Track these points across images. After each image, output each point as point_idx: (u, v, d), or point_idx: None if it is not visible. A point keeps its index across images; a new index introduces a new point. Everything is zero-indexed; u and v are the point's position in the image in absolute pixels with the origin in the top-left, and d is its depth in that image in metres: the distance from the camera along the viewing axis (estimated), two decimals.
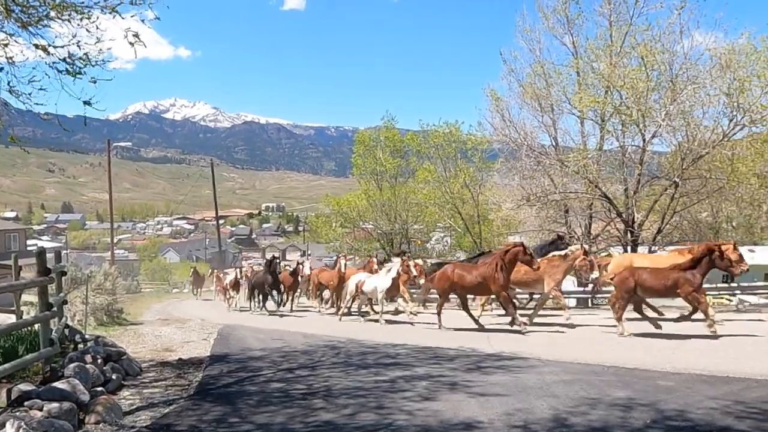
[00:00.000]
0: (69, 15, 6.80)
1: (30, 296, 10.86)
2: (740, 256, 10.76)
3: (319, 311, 18.13)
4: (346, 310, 15.50)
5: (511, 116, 18.75)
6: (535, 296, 14.23)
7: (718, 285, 14.39)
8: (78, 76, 6.93)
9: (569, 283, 15.34)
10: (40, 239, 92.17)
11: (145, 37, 7.04)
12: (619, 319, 10.07)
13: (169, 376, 8.05)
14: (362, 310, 15.29)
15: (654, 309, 11.43)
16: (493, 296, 12.95)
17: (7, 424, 4.63)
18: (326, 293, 18.56)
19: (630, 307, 10.31)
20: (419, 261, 16.90)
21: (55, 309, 7.22)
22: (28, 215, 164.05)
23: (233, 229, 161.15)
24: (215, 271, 30.47)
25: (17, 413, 5.04)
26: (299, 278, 18.87)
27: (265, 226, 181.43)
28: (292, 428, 5.31)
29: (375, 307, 15.06)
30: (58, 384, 5.70)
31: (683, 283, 9.48)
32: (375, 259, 16.90)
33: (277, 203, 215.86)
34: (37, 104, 7.14)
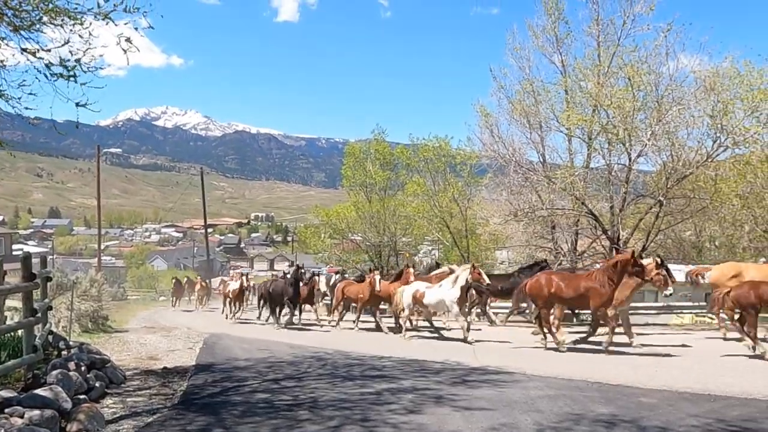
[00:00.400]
0: (62, 20, 6.83)
1: (14, 301, 10.73)
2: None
3: (336, 325, 16.05)
4: (409, 325, 13.64)
5: (500, 132, 18.94)
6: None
7: (701, 303, 14.56)
8: (71, 79, 6.95)
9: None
10: (27, 244, 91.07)
11: (137, 44, 7.09)
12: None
13: (153, 384, 7.99)
14: (437, 326, 13.59)
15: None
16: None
17: None
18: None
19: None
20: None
21: (39, 315, 7.16)
22: (15, 220, 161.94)
23: (222, 237, 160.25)
24: (199, 279, 30.20)
25: None
26: (314, 291, 17.45)
27: (253, 235, 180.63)
28: None
29: (436, 322, 13.66)
30: (40, 391, 5.65)
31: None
32: (411, 270, 14.95)
33: (266, 213, 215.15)
34: (27, 108, 7.16)
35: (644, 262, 10.26)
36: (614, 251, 16.32)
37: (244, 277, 19.68)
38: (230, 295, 19.91)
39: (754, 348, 9.01)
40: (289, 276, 17.42)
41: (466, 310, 12.70)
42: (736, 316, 9.44)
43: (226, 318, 20.40)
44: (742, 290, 9.24)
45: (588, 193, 17.59)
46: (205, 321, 20.38)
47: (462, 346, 11.44)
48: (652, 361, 9.10)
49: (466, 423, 5.65)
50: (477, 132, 19.87)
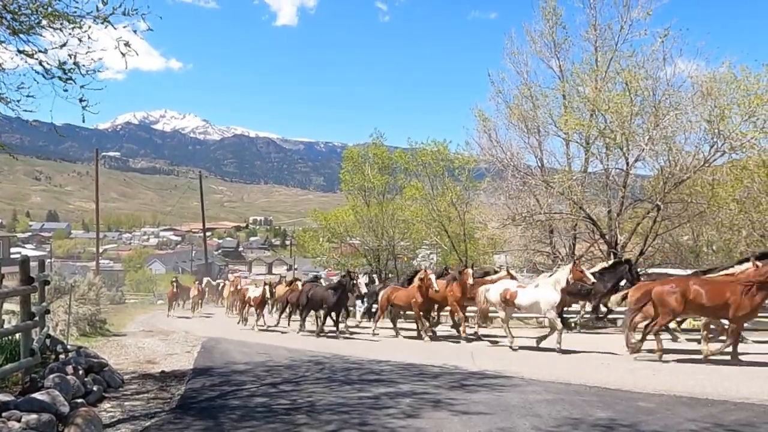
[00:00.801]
0: (61, 24, 6.85)
1: (12, 305, 10.71)
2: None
3: (376, 333, 14.69)
4: (476, 330, 13.01)
5: (498, 137, 18.97)
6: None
7: None
8: (69, 81, 6.96)
9: None
10: (25, 247, 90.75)
11: (136, 47, 7.10)
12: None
13: (151, 388, 7.98)
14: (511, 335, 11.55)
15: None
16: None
17: None
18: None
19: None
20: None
21: (37, 318, 7.16)
22: (13, 223, 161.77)
23: (220, 241, 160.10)
24: (196, 283, 29.88)
25: None
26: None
27: (252, 239, 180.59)
28: None
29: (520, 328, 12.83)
30: (37, 395, 5.64)
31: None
32: (470, 270, 13.35)
33: (264, 217, 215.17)
34: (25, 111, 7.19)
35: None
36: (612, 255, 16.38)
37: (268, 286, 17.56)
38: (252, 303, 18.07)
39: None
40: (318, 280, 16.42)
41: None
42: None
43: (242, 325, 18.80)
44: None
45: (586, 198, 17.63)
46: (202, 325, 20.38)
47: (460, 350, 11.43)
48: (649, 365, 9.10)
49: (464, 427, 5.66)
50: (475, 136, 19.92)
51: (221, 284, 32.25)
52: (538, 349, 11.03)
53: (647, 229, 16.97)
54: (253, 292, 18.28)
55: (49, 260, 52.63)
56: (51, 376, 6.33)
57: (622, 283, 12.75)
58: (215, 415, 6.30)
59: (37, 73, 6.92)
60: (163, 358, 11.12)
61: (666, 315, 9.38)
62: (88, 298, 16.70)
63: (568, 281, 10.50)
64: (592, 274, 11.29)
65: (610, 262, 13.83)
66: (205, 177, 42.26)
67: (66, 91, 6.94)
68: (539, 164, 18.94)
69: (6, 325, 8.38)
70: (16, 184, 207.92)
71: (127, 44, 6.88)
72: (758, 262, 8.97)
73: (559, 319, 10.61)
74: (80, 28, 6.87)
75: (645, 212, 16.99)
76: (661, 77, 16.37)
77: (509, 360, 10.03)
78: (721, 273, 9.90)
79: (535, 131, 18.57)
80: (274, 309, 20.47)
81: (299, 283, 17.15)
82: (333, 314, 14.94)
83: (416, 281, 13.67)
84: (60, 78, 6.96)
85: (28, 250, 76.16)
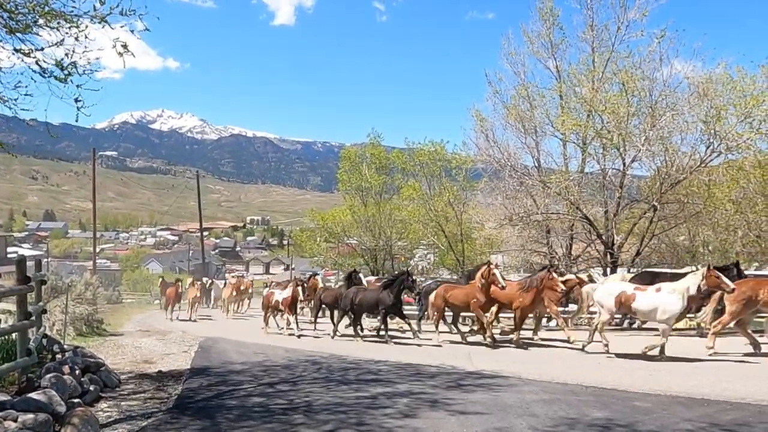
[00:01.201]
0: (58, 23, 6.83)
1: (8, 304, 10.68)
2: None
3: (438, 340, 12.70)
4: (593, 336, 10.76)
5: (495, 137, 19.05)
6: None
7: None
8: (66, 80, 6.95)
9: None
10: (21, 247, 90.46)
11: (133, 47, 7.09)
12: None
13: (148, 388, 7.96)
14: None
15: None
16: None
17: None
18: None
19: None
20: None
21: (33, 318, 7.15)
22: (10, 222, 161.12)
23: (217, 241, 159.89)
24: (198, 284, 29.54)
25: None
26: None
27: (249, 239, 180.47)
28: None
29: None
30: (33, 395, 5.62)
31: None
32: (556, 275, 11.46)
33: (262, 216, 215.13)
34: (23, 110, 7.16)
35: None
36: (609, 255, 16.45)
37: (299, 287, 15.35)
38: (282, 306, 15.71)
39: None
40: (355, 279, 14.66)
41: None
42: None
43: (266, 331, 16.43)
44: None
45: (582, 198, 17.69)
46: (200, 325, 20.34)
47: (457, 350, 11.44)
48: (646, 365, 9.13)
49: (461, 427, 5.67)
50: (472, 136, 20.00)
51: (209, 282, 31.64)
52: (542, 347, 11.05)
53: (644, 230, 17.04)
54: (280, 295, 16.02)
55: (45, 260, 52.34)
56: (47, 375, 6.32)
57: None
58: (212, 415, 6.29)
59: (34, 72, 6.91)
60: (160, 357, 11.10)
61: None
62: (85, 297, 16.67)
63: (699, 288, 9.33)
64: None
65: (729, 264, 12.20)
66: (202, 176, 42.17)
67: (62, 89, 6.92)
68: (536, 164, 19.01)
69: (2, 325, 8.35)
70: (12, 183, 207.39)
71: (124, 45, 6.87)
72: None
73: (670, 329, 9.63)
74: (77, 27, 6.85)
75: (641, 212, 17.06)
76: (658, 78, 16.49)
77: (506, 360, 10.04)
78: None
79: (532, 131, 18.63)
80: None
81: (319, 278, 16.26)
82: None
83: (478, 278, 11.84)
84: (56, 77, 6.95)
85: (25, 250, 75.95)
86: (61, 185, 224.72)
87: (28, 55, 6.86)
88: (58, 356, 8.09)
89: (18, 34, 6.89)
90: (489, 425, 5.70)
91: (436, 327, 12.89)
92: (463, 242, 24.31)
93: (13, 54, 6.89)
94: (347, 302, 13.87)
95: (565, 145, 18.76)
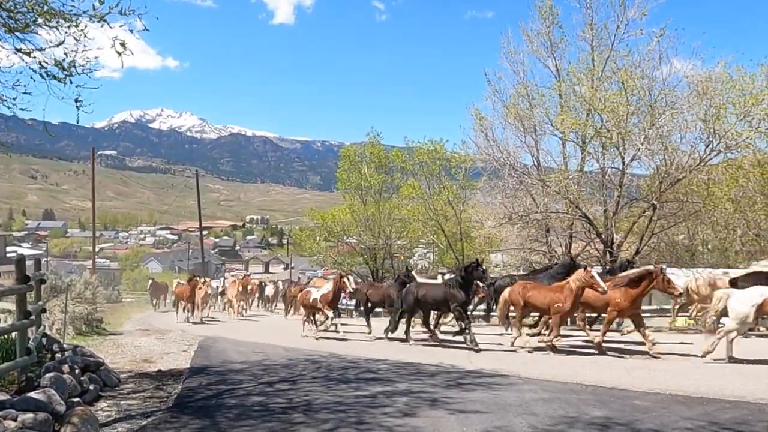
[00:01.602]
0: (57, 22, 6.83)
1: (7, 304, 10.68)
2: None
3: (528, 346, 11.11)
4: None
5: (494, 136, 19.04)
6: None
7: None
8: (65, 80, 6.95)
9: None
10: (21, 246, 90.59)
11: (132, 46, 7.09)
12: None
13: (147, 387, 7.97)
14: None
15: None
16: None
17: None
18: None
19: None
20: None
21: (33, 317, 7.14)
22: (9, 221, 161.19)
23: (217, 240, 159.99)
24: (205, 284, 28.33)
25: None
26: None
27: (249, 238, 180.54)
28: None
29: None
30: (33, 394, 5.62)
31: None
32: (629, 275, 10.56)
33: (261, 216, 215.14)
34: (22, 109, 7.17)
35: None
36: (608, 254, 16.45)
37: (346, 279, 14.11)
38: (320, 303, 14.49)
39: None
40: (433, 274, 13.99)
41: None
42: None
43: (307, 331, 15.01)
44: None
45: (582, 197, 17.68)
46: (200, 324, 20.28)
47: (457, 350, 11.42)
48: (645, 364, 9.15)
49: (460, 426, 5.67)
50: (472, 135, 19.99)
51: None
52: (545, 349, 11.05)
53: (643, 228, 17.04)
54: (318, 292, 14.83)
55: (45, 259, 52.35)
56: (47, 375, 6.32)
57: None
58: (212, 414, 6.29)
59: (34, 71, 6.92)
60: (159, 357, 11.10)
61: None
62: (85, 297, 16.63)
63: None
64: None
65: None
66: (201, 176, 42.16)
67: (62, 88, 6.92)
68: (536, 163, 19.01)
69: (2, 324, 8.34)
70: (12, 182, 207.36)
71: (123, 44, 6.87)
72: None
73: None
74: (76, 26, 6.85)
75: (641, 211, 17.06)
76: (657, 77, 16.49)
77: (506, 359, 10.05)
78: None
79: (531, 130, 18.63)
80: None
81: (351, 279, 14.61)
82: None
83: (573, 281, 10.35)
84: (56, 77, 6.94)
85: (24, 249, 76.03)
86: (61, 184, 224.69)
87: (28, 54, 6.86)
88: (58, 355, 8.08)
89: (17, 33, 6.90)
90: (489, 424, 5.70)
91: (519, 330, 11.52)
92: (463, 241, 24.32)
93: (14, 53, 6.90)
94: (410, 299, 12.50)
95: (564, 144, 18.77)
